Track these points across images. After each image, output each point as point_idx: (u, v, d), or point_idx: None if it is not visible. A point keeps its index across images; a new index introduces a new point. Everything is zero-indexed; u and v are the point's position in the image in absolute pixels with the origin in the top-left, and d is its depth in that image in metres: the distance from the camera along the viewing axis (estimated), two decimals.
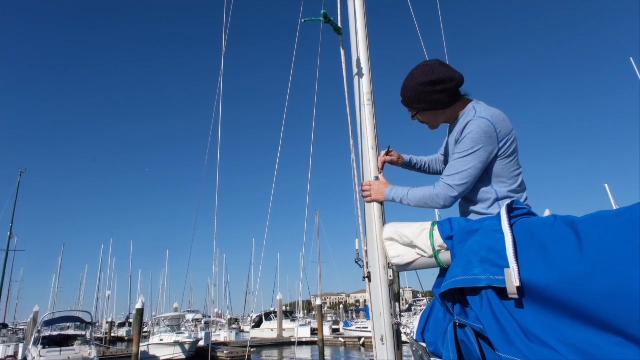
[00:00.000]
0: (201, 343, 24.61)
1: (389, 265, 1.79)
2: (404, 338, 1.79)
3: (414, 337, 1.65)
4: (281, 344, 31.84)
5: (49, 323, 18.51)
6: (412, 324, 1.74)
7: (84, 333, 18.89)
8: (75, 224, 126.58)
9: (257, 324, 39.14)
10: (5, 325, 28.94)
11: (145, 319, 32.01)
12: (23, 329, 31.15)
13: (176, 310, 37.84)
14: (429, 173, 2.26)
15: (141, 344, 20.49)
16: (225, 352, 23.56)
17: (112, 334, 40.56)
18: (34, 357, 15.42)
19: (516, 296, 1.16)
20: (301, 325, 35.24)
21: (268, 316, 38.61)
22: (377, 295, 1.81)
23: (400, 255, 1.70)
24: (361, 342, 29.06)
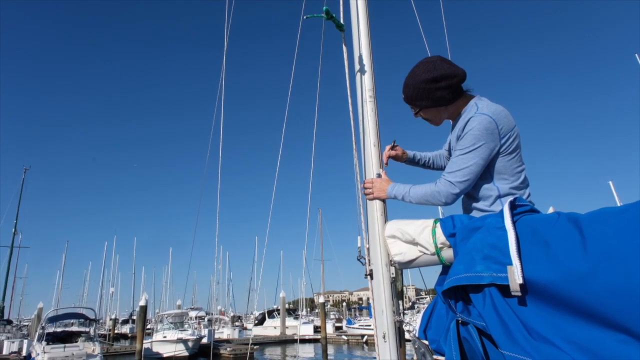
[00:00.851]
0: (204, 340, 24.71)
1: (391, 263, 1.79)
2: (406, 336, 1.79)
3: (417, 335, 1.64)
4: (284, 342, 31.92)
5: (53, 319, 18.62)
6: (414, 322, 1.73)
7: (87, 330, 19.01)
8: (79, 221, 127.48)
9: (260, 321, 39.25)
10: (9, 322, 29.08)
11: (149, 316, 32.19)
12: (27, 325, 31.37)
13: (179, 307, 38.00)
14: (433, 169, 2.25)
15: (144, 341, 20.59)
16: (228, 349, 23.65)
17: (116, 331, 40.81)
18: (38, 354, 15.51)
19: (519, 293, 1.15)
20: (304, 323, 35.35)
21: (271, 314, 38.70)
22: (379, 293, 1.81)
23: (402, 252, 1.69)
24: (364, 339, 29.12)
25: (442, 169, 2.21)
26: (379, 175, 1.96)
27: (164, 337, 23.43)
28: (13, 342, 22.34)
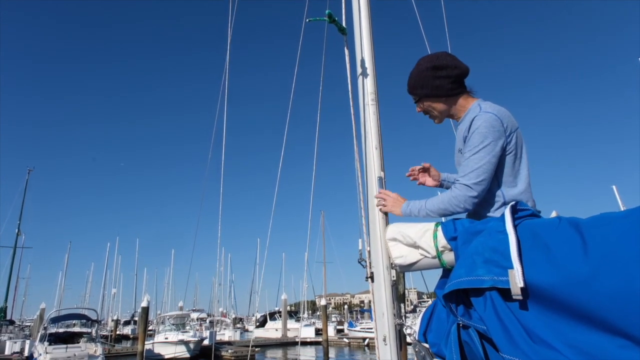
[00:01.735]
0: (205, 342, 24.69)
1: (392, 266, 1.79)
2: (408, 339, 1.78)
3: (417, 338, 1.64)
4: (285, 344, 31.87)
5: (55, 320, 18.67)
6: (416, 325, 1.73)
7: (89, 330, 19.04)
8: (81, 222, 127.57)
9: (262, 323, 39.21)
10: (12, 322, 29.17)
11: (150, 317, 32.18)
12: (29, 326, 31.42)
13: (181, 309, 37.99)
14: None
15: (146, 342, 20.61)
16: (229, 351, 23.63)
17: (118, 332, 40.81)
18: (40, 354, 15.55)
19: (520, 297, 1.15)
20: (305, 326, 35.28)
21: (272, 316, 38.66)
22: (380, 296, 1.81)
23: (404, 255, 1.69)
24: (365, 342, 29.03)
25: None
26: (380, 179, 1.96)
27: (166, 338, 23.44)
28: (15, 343, 22.40)
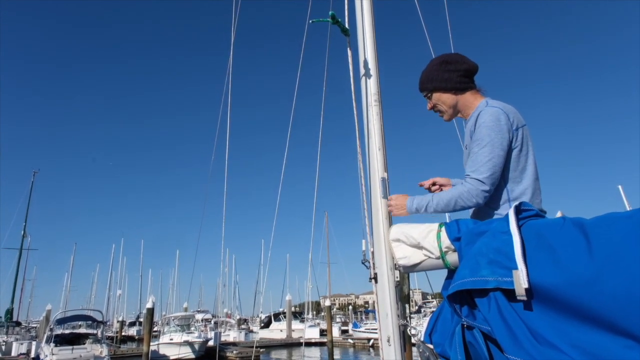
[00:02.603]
0: (210, 343, 24.75)
1: (396, 267, 1.79)
2: (412, 340, 1.78)
3: (421, 339, 1.64)
4: (290, 345, 31.88)
5: (61, 321, 18.76)
6: (420, 326, 1.73)
7: (95, 332, 19.11)
8: (86, 224, 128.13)
9: (266, 324, 39.25)
10: (18, 323, 29.36)
11: (156, 318, 32.28)
12: (36, 327, 31.65)
13: (186, 310, 38.15)
14: None
15: (151, 343, 20.67)
16: (234, 352, 23.65)
17: (123, 333, 40.94)
18: (47, 355, 15.63)
19: (524, 298, 1.15)
20: (310, 326, 35.26)
21: (277, 317, 38.68)
22: (384, 296, 1.81)
23: (407, 256, 1.69)
24: (370, 343, 28.98)
25: None
26: (383, 180, 1.96)
27: (171, 339, 23.52)
28: (22, 344, 22.54)
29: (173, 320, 26.92)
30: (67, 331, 18.87)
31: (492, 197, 1.71)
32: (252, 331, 44.75)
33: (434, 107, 1.95)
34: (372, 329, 31.87)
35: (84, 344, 17.29)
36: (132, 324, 49.85)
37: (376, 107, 2.06)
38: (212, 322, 35.99)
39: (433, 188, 2.06)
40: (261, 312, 49.77)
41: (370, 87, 2.09)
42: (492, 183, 1.65)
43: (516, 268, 1.18)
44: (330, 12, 2.03)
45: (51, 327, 18.09)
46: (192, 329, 26.33)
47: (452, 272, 1.57)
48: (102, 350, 16.53)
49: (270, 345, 30.79)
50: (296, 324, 36.18)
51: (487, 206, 1.73)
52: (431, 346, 1.58)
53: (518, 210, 1.38)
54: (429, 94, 1.94)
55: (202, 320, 34.70)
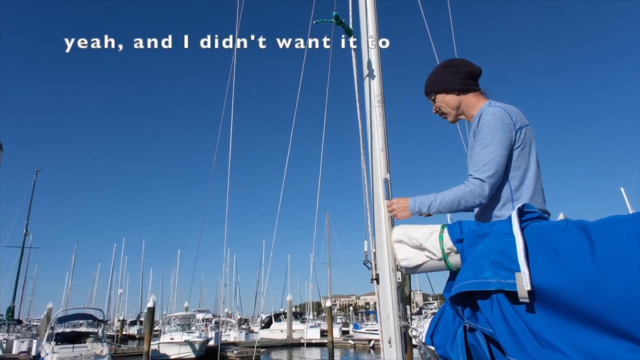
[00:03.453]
0: (211, 343, 24.75)
1: (398, 268, 1.79)
2: (413, 341, 1.78)
3: (423, 340, 1.64)
4: (290, 345, 31.86)
5: (62, 320, 18.79)
6: (422, 327, 1.73)
7: (96, 330, 19.15)
8: (88, 222, 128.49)
9: (267, 324, 39.24)
10: (19, 322, 29.43)
11: (156, 317, 32.34)
12: (37, 325, 31.73)
13: (187, 309, 38.13)
14: None
15: (152, 343, 20.69)
16: (234, 352, 23.66)
17: (124, 332, 41.00)
18: (47, 353, 15.66)
19: (527, 300, 1.15)
20: (311, 327, 35.23)
21: (278, 317, 38.66)
22: (386, 298, 1.80)
23: (409, 257, 1.69)
24: (371, 344, 28.95)
25: None
26: (386, 181, 1.96)
27: (171, 338, 23.53)
28: (23, 342, 22.59)
29: (174, 319, 26.93)
30: (68, 330, 18.91)
31: (495, 197, 1.71)
32: (252, 331, 44.74)
33: (439, 109, 1.96)
34: (373, 330, 31.82)
35: (85, 342, 17.31)
36: (133, 323, 49.89)
37: (379, 107, 2.06)
38: (213, 321, 36.02)
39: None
40: (262, 312, 49.75)
41: (374, 88, 2.09)
42: (495, 182, 1.66)
43: (519, 270, 1.17)
44: (334, 13, 2.03)
45: (52, 325, 18.13)
46: (193, 328, 26.34)
47: (454, 273, 1.57)
48: (103, 349, 16.54)
49: (271, 346, 30.78)
50: (297, 325, 36.17)
51: (490, 206, 1.72)
52: (432, 348, 1.58)
53: (521, 212, 1.37)
54: (433, 97, 1.96)
55: (202, 320, 34.76)
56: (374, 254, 1.88)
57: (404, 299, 1.86)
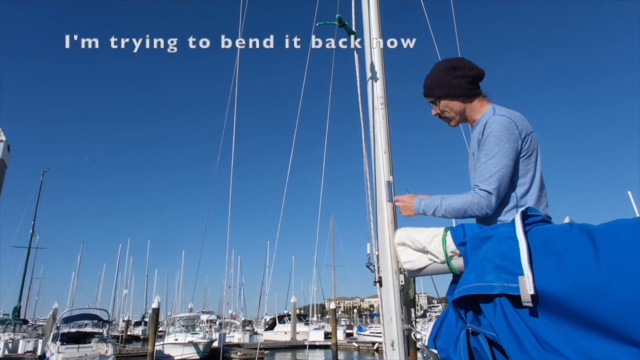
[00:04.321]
0: (215, 344, 24.80)
1: (401, 271, 1.78)
2: (417, 344, 1.77)
3: (425, 343, 1.63)
4: (294, 347, 31.83)
5: (67, 320, 18.89)
6: (425, 330, 1.72)
7: (101, 331, 19.23)
8: (94, 223, 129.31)
9: (271, 326, 39.24)
10: (25, 321, 29.61)
11: (161, 318, 32.39)
12: (42, 325, 31.86)
13: (191, 310, 38.22)
14: None
15: (156, 343, 20.75)
16: (238, 353, 23.69)
17: (128, 333, 41.15)
18: (53, 353, 15.73)
19: (530, 304, 1.14)
20: (314, 329, 35.20)
21: (282, 319, 38.66)
22: (388, 300, 1.80)
23: (412, 260, 1.68)
24: (375, 347, 28.88)
25: None
26: (389, 183, 1.95)
27: (176, 339, 23.59)
28: (28, 342, 22.75)
29: (178, 320, 27.01)
30: (73, 330, 19.01)
31: (500, 204, 1.71)
32: (256, 333, 44.72)
33: (441, 113, 1.93)
34: (377, 333, 31.76)
35: (90, 342, 17.38)
36: (137, 324, 50.12)
37: (382, 110, 2.06)
38: (217, 323, 36.06)
39: None
40: (266, 314, 49.79)
41: (377, 90, 2.09)
42: (501, 194, 1.67)
43: (522, 274, 1.16)
44: (337, 15, 2.03)
45: (58, 325, 18.21)
46: (197, 329, 26.41)
47: (457, 276, 1.56)
48: (108, 349, 16.61)
49: (275, 348, 30.78)
50: (301, 327, 36.13)
51: (494, 213, 1.72)
52: (435, 351, 1.57)
53: (525, 215, 1.37)
54: (436, 100, 1.91)
55: (207, 321, 34.77)
56: (377, 256, 1.88)
57: (408, 302, 1.85)
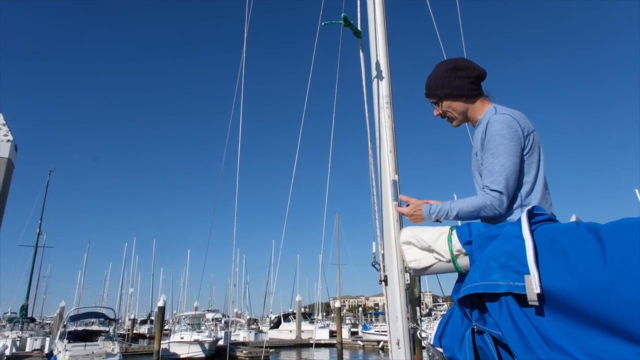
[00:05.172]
0: (220, 342, 24.88)
1: (406, 269, 1.78)
2: (423, 343, 1.77)
3: (431, 342, 1.63)
4: (299, 346, 31.90)
5: (74, 318, 19.06)
6: (431, 329, 1.72)
7: (107, 329, 19.39)
8: (100, 222, 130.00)
9: (276, 324, 39.33)
10: (32, 320, 29.86)
11: (167, 317, 32.57)
12: (50, 324, 32.14)
13: (196, 309, 38.37)
14: None
15: (162, 342, 20.86)
16: (244, 352, 23.77)
17: (134, 331, 41.41)
18: (60, 351, 15.88)
19: (536, 303, 1.14)
20: (320, 327, 35.25)
21: (287, 317, 38.73)
22: (394, 299, 1.80)
23: (418, 259, 1.68)
24: (380, 345, 28.87)
25: None
26: (395, 182, 1.96)
27: (181, 338, 23.69)
28: (36, 340, 22.98)
29: (184, 319, 27.11)
30: (80, 328, 19.20)
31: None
32: (261, 331, 44.86)
33: (444, 114, 1.93)
34: (382, 331, 31.74)
35: (97, 340, 17.53)
36: (143, 322, 50.36)
37: (388, 109, 2.06)
38: (223, 321, 36.23)
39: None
40: (271, 312, 49.90)
41: (382, 90, 2.09)
42: (510, 193, 1.66)
43: (528, 273, 1.16)
44: (342, 15, 2.03)
45: (64, 323, 18.38)
46: (203, 328, 26.49)
47: (462, 275, 1.56)
48: (114, 347, 16.73)
49: (280, 346, 30.85)
50: (306, 325, 36.20)
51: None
52: (441, 350, 1.58)
53: (531, 214, 1.36)
54: (439, 101, 1.90)
55: (212, 320, 34.96)
56: (383, 255, 1.88)
57: (413, 301, 1.85)
